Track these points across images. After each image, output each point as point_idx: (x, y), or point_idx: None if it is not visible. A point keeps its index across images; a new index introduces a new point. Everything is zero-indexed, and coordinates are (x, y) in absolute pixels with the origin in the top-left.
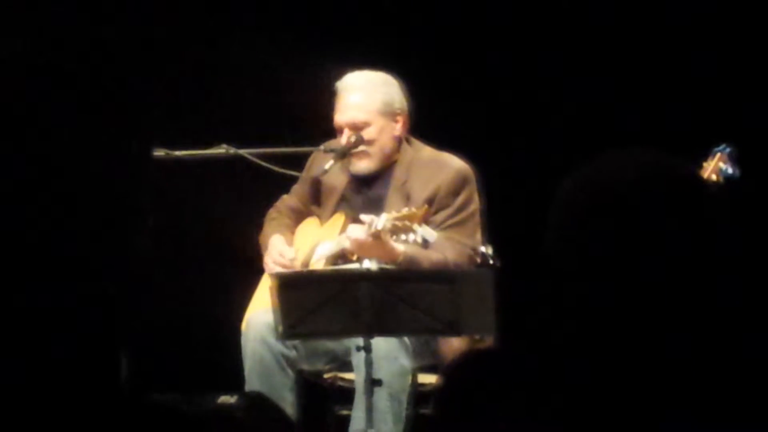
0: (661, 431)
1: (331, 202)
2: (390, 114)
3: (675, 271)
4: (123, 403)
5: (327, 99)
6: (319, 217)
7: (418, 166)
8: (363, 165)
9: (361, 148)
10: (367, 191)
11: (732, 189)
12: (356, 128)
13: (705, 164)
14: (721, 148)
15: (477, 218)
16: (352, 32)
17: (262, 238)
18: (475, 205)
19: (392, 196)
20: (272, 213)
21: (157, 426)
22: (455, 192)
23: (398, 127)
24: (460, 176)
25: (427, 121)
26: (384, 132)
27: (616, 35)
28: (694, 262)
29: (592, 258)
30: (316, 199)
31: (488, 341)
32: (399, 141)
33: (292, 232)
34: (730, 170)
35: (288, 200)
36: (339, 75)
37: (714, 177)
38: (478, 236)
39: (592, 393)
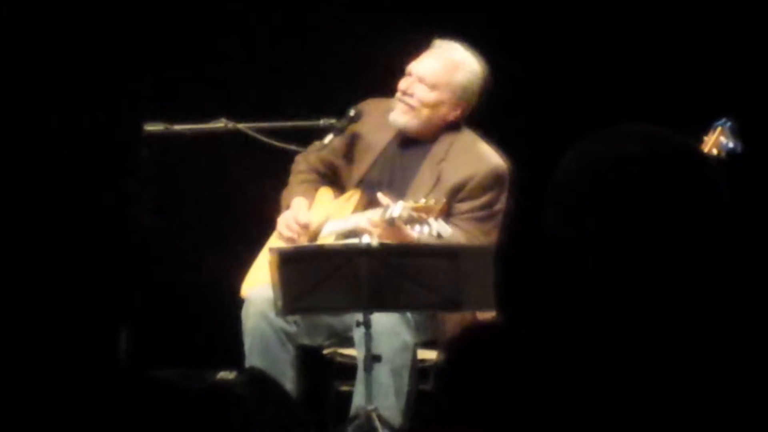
0: (662, 406)
1: (367, 158)
2: (457, 97)
3: (676, 245)
4: (122, 379)
5: (326, 72)
6: (348, 173)
7: (457, 150)
8: (403, 118)
9: (412, 101)
10: (402, 157)
11: (733, 163)
12: (420, 81)
13: (706, 138)
14: (721, 122)
15: (499, 219)
16: (357, 3)
17: (285, 193)
18: (501, 205)
19: (424, 171)
20: (300, 165)
21: (155, 402)
22: (486, 187)
23: (455, 113)
24: (495, 174)
25: None
26: (441, 106)
27: (615, 11)
28: (696, 236)
29: (593, 232)
30: (349, 154)
31: (489, 317)
32: (448, 123)
33: (316, 189)
34: (731, 144)
35: (323, 151)
36: (340, 48)
37: (715, 151)
38: (494, 237)
39: (592, 368)
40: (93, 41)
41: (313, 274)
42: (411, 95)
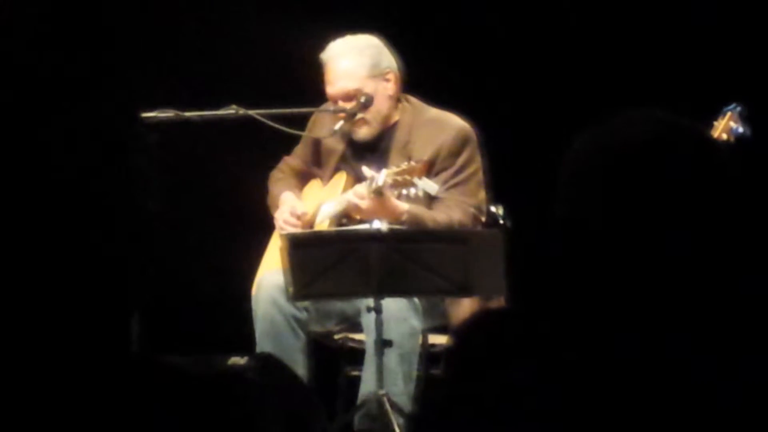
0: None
1: (330, 164)
2: (379, 75)
3: (687, 230)
4: (133, 365)
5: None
6: (320, 178)
7: (419, 126)
8: (363, 132)
9: (359, 115)
10: (368, 153)
11: (742, 148)
12: (349, 97)
13: (715, 123)
14: (731, 107)
15: (479, 177)
16: None
17: (270, 199)
18: (477, 164)
19: (394, 158)
20: (276, 174)
21: (167, 387)
22: (457, 152)
23: (390, 86)
24: (461, 136)
25: (430, 81)
26: (377, 95)
27: None
28: (706, 221)
29: (603, 218)
30: (316, 160)
31: (499, 302)
32: (395, 100)
33: (300, 190)
34: (740, 129)
35: (290, 161)
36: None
37: (724, 136)
38: (482, 195)
39: (604, 352)
40: (94, 29)
41: (323, 259)
42: (368, 105)
